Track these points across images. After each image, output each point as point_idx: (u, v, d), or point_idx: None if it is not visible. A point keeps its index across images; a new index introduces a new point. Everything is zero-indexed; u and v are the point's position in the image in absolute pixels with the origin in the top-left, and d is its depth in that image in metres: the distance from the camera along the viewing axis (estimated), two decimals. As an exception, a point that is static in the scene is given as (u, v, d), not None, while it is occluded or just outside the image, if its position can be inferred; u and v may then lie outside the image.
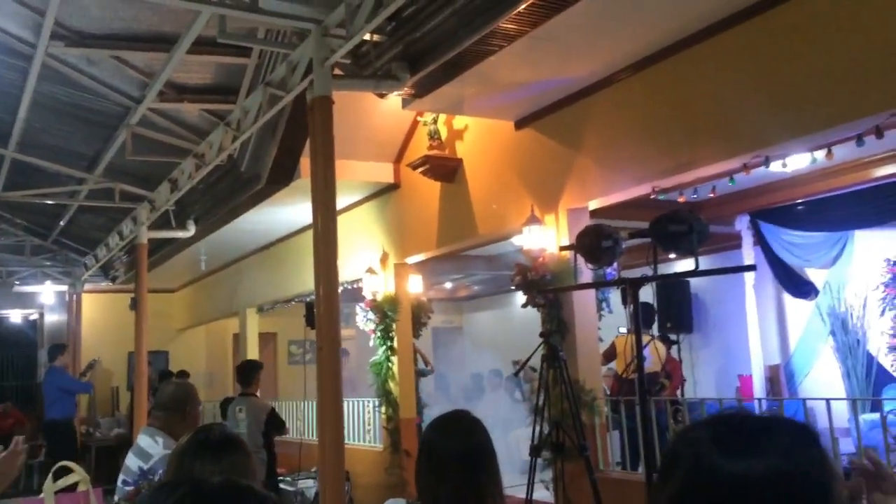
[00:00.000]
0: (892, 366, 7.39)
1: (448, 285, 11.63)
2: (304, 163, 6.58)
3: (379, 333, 7.59)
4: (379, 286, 7.66)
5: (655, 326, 7.50)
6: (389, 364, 7.56)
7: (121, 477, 3.13)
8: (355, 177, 7.48)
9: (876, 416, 6.25)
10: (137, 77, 6.27)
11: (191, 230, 9.16)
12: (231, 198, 7.94)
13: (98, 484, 2.84)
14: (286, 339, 13.40)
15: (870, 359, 7.38)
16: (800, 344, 7.95)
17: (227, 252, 10.93)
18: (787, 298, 8.04)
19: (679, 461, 1.01)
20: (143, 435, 3.20)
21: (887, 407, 5.85)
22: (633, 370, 6.22)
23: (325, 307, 4.45)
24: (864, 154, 5.93)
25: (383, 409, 7.65)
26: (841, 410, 6.19)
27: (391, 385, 7.54)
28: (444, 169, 6.86)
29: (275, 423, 6.20)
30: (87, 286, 13.07)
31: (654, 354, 6.78)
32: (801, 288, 7.69)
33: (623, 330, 7.13)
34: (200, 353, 14.36)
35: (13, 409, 10.55)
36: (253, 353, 11.40)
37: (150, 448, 3.10)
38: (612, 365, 7.39)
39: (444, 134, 6.94)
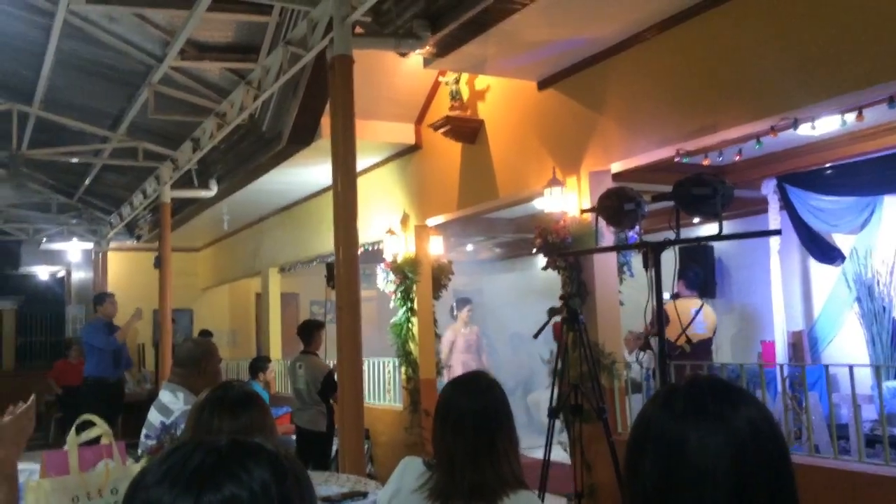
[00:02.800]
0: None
1: (469, 247, 11.63)
2: (325, 122, 6.54)
3: (399, 295, 7.61)
4: (399, 248, 7.66)
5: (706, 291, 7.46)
6: (409, 325, 7.59)
7: (143, 431, 3.19)
8: (376, 137, 7.45)
9: (899, 383, 6.20)
10: (159, 35, 6.25)
11: (213, 190, 9.20)
12: (252, 157, 7.95)
13: (126, 438, 2.89)
14: (308, 299, 13.51)
15: (895, 326, 7.28)
16: (824, 310, 7.85)
17: (250, 212, 10.98)
18: (813, 264, 7.92)
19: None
20: (165, 391, 3.25)
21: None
22: (684, 337, 6.21)
23: (345, 268, 4.46)
24: (895, 117, 5.79)
25: (403, 369, 7.71)
26: (864, 377, 6.14)
27: (411, 346, 7.59)
28: (466, 130, 6.80)
29: (330, 385, 6.31)
30: (112, 244, 13.24)
31: (708, 319, 6.61)
32: (828, 254, 7.56)
33: (667, 295, 7.02)
34: (224, 312, 14.54)
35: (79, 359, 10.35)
36: (275, 312, 11.52)
37: (172, 403, 3.16)
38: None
39: (465, 94, 6.86)
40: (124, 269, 13.49)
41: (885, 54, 3.72)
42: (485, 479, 2.03)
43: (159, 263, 9.42)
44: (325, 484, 3.46)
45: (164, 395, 3.23)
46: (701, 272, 7.19)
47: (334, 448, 6.41)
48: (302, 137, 6.98)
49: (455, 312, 8.45)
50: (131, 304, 9.18)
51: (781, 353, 7.04)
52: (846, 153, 6.42)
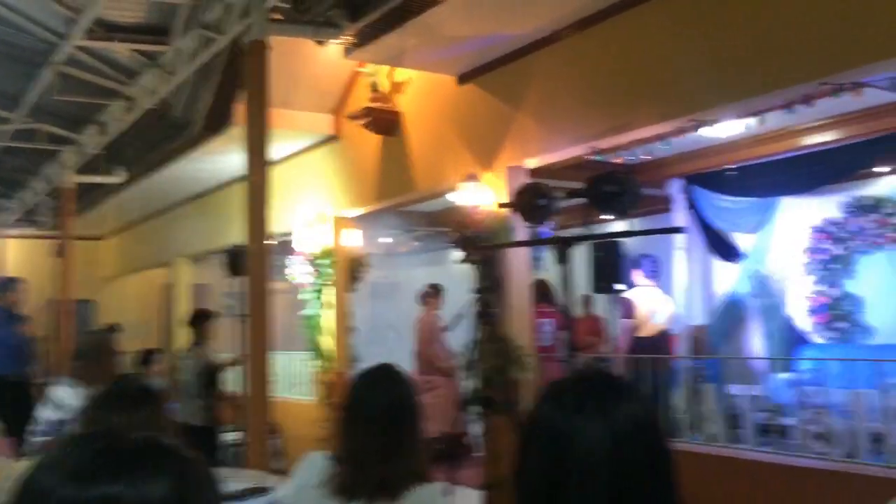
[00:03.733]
0: (809, 328, 7.72)
1: (386, 240, 11.58)
2: (240, 110, 6.40)
3: (314, 287, 7.52)
4: (316, 239, 7.57)
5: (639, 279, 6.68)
6: (323, 317, 7.52)
7: (31, 427, 3.05)
8: (293, 126, 7.33)
9: (791, 374, 6.54)
10: (63, 12, 5.96)
11: (120, 176, 8.87)
12: (163, 143, 7.70)
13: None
14: (220, 290, 13.16)
15: (788, 322, 7.68)
16: (724, 306, 8.21)
17: (160, 199, 10.63)
18: (715, 262, 8.27)
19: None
20: (61, 385, 3.12)
21: (801, 367, 6.10)
22: (648, 328, 6.18)
23: (255, 258, 4.38)
24: (793, 123, 6.09)
25: (315, 362, 7.62)
26: (759, 370, 6.46)
27: (324, 339, 7.51)
28: (385, 122, 6.77)
29: (212, 378, 6.10)
30: (11, 231, 12.59)
31: (667, 309, 6.50)
32: (729, 252, 7.91)
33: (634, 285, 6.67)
34: (131, 304, 14.02)
35: None
36: (185, 304, 11.19)
37: (67, 398, 3.03)
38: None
39: (385, 86, 6.83)
40: (23, 257, 12.84)
41: (786, 61, 3.91)
42: (392, 474, 2.02)
43: (60, 252, 9.01)
44: (225, 480, 3.39)
45: (60, 391, 3.10)
46: (657, 260, 6.97)
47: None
48: (216, 124, 6.81)
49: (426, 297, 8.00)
50: (30, 295, 8.72)
51: (683, 346, 7.32)
52: (748, 156, 6.73)
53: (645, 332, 6.11)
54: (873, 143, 6.06)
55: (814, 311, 7.70)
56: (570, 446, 1.03)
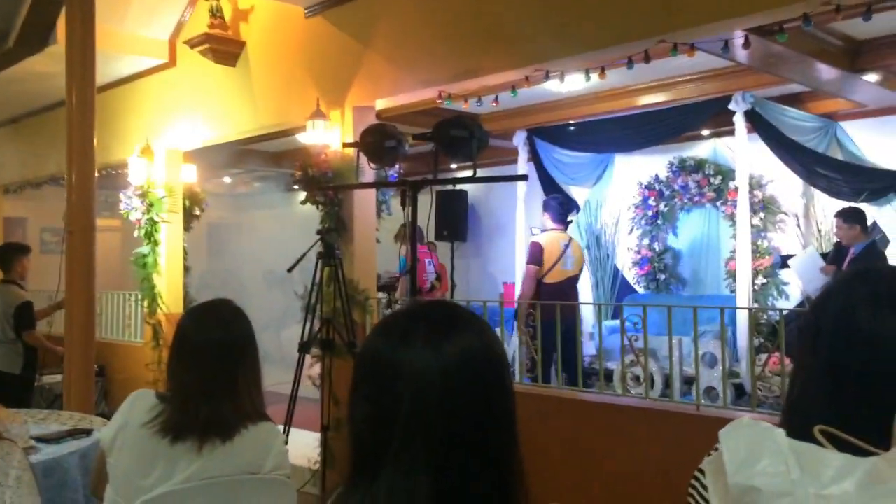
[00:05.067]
0: (633, 279, 8.25)
1: (227, 179, 11.09)
2: (62, 26, 5.80)
3: (145, 224, 7.08)
4: (148, 173, 7.08)
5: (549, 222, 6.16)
6: (155, 256, 7.11)
7: None
8: (123, 49, 6.75)
9: (616, 322, 6.97)
10: None
11: (-83, 91, 7.83)
12: (-30, 58, 6.86)
13: None
14: (39, 225, 12.13)
15: (616, 272, 8.17)
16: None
17: (-34, 122, 9.54)
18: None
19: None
20: None
21: (625, 314, 6.49)
22: (555, 274, 5.69)
23: (78, 192, 4.03)
24: (630, 82, 6.38)
25: (145, 303, 7.22)
26: (587, 316, 6.83)
27: (156, 279, 7.12)
28: (226, 51, 6.39)
29: (22, 319, 5.59)
30: None
31: (576, 254, 6.06)
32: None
33: (537, 230, 6.46)
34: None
35: None
36: (-4, 238, 10.21)
37: None
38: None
39: (228, 13, 6.43)
40: None
41: (628, 17, 4.04)
42: (221, 414, 1.94)
43: None
44: (43, 422, 3.15)
45: None
46: (565, 201, 6.49)
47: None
48: (32, 40, 6.14)
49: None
50: None
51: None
52: (587, 112, 7.00)
53: (550, 279, 5.78)
54: (700, 105, 6.48)
55: (638, 263, 8.24)
56: (396, 378, 1.00)
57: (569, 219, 6.50)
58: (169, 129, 7.13)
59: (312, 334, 4.73)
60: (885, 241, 6.28)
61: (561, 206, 6.13)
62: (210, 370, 1.96)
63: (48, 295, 9.17)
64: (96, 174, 4.37)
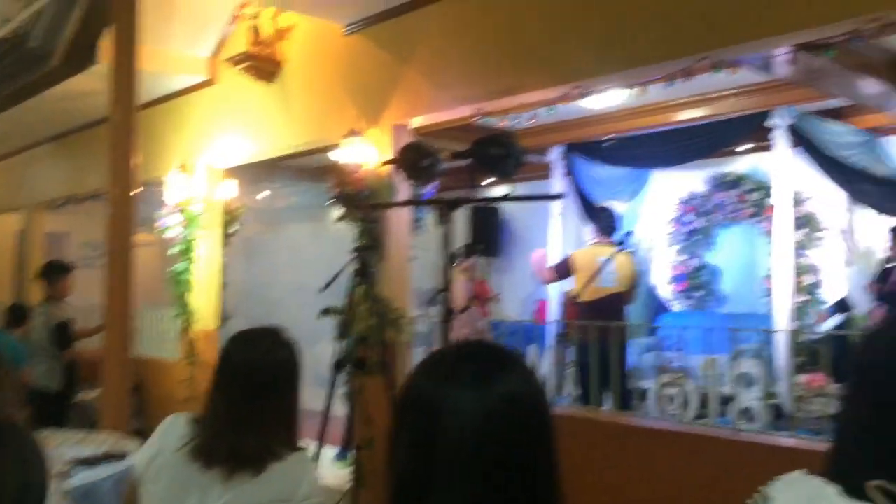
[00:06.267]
0: (669, 296, 8.14)
1: (264, 195, 11.20)
2: (106, 46, 5.93)
3: (184, 240, 7.17)
4: (187, 189, 7.19)
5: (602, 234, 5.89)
6: (191, 273, 7.20)
7: None
8: (165, 68, 6.89)
9: (649, 339, 6.87)
10: None
11: (-34, 109, 8.06)
12: (18, 77, 7.05)
13: None
14: (79, 239, 12.37)
15: (651, 289, 8.06)
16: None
17: (14, 139, 9.78)
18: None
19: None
20: None
21: (660, 333, 6.40)
22: (592, 291, 5.29)
23: (118, 208, 4.10)
24: (667, 98, 6.31)
25: (181, 319, 7.30)
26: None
27: (191, 295, 7.20)
28: (266, 69, 6.47)
29: (61, 338, 5.68)
30: None
31: (622, 270, 5.55)
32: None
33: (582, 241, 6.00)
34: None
35: None
36: (40, 252, 10.43)
37: None
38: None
39: (268, 31, 6.51)
40: None
41: (669, 35, 4.00)
42: (246, 445, 1.89)
43: None
44: (79, 444, 3.19)
45: None
46: (614, 213, 5.99)
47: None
48: (79, 59, 6.28)
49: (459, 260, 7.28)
50: None
51: (554, 311, 7.54)
52: (624, 127, 6.94)
53: (585, 297, 5.38)
54: (738, 121, 6.39)
55: (674, 280, 8.13)
56: (439, 418, 0.98)
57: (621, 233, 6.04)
58: (209, 147, 7.23)
59: (346, 352, 4.73)
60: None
61: (609, 219, 5.73)
62: (241, 398, 1.92)
63: (86, 309, 9.36)
64: (137, 190, 4.44)
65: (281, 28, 6.49)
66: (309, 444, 2.11)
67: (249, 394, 1.93)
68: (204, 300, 7.23)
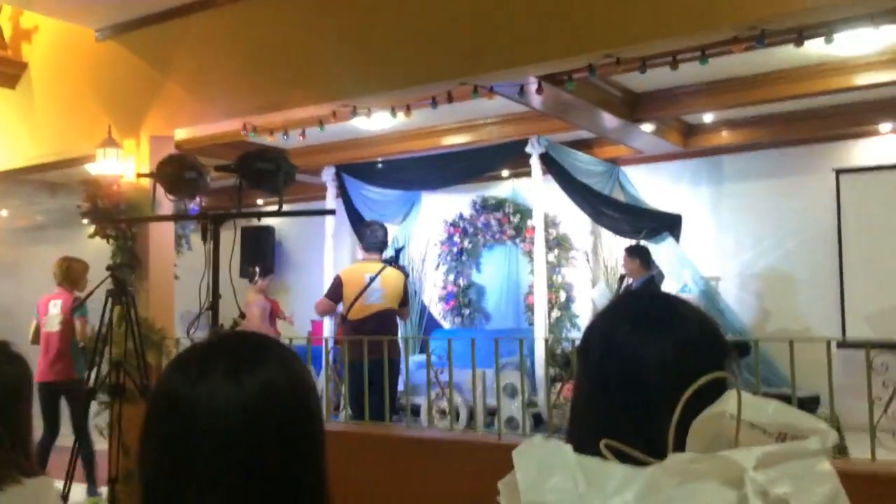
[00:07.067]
0: (440, 314, 8.44)
1: (3, 213, 10.06)
2: None
3: None
4: None
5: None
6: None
7: None
8: None
9: (423, 356, 7.07)
10: None
11: None
12: None
13: None
14: None
15: (423, 307, 8.32)
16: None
17: None
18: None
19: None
20: None
21: (432, 348, 6.59)
22: (357, 310, 5.17)
23: None
24: (436, 123, 6.61)
25: None
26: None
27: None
28: (7, 72, 5.85)
29: None
30: None
31: (388, 287, 5.33)
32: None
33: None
34: None
35: None
36: None
37: None
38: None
39: (7, 32, 5.90)
40: None
41: (429, 59, 4.19)
42: None
43: None
44: None
45: None
46: (382, 228, 5.69)
47: None
48: None
49: (256, 279, 7.99)
50: None
51: (328, 329, 7.52)
52: (395, 150, 7.15)
53: (352, 315, 5.25)
54: (501, 148, 6.83)
55: (444, 299, 8.45)
56: (194, 416, 0.93)
57: (393, 248, 5.94)
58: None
59: (100, 379, 4.36)
60: (661, 276, 6.90)
61: (372, 233, 5.53)
62: None
63: None
64: None
65: (23, 29, 5.91)
66: (54, 482, 1.91)
67: None
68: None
